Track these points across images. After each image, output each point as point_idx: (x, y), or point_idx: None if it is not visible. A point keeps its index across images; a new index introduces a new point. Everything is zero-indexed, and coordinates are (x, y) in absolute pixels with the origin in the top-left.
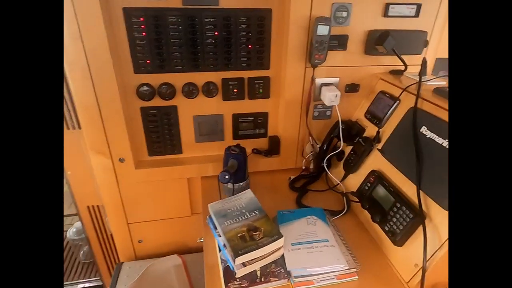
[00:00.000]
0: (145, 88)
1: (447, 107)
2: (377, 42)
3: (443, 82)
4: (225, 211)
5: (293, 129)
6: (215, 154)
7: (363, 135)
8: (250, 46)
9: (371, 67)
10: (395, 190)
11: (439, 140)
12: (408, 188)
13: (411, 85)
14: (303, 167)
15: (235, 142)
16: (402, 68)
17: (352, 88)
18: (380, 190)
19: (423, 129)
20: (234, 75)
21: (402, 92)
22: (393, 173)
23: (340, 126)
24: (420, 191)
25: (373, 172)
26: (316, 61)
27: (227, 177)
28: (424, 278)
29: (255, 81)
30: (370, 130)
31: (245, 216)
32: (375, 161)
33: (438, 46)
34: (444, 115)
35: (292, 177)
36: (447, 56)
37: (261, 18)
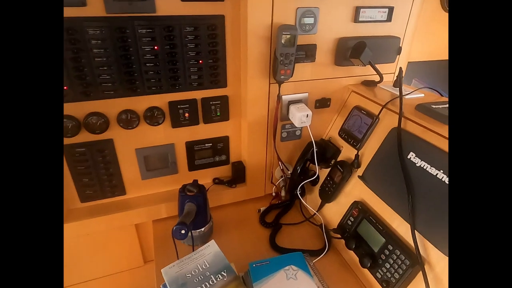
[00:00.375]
0: (65, 121)
1: (434, 128)
2: (353, 55)
3: (421, 95)
4: (184, 278)
5: (259, 153)
6: (168, 191)
7: (339, 159)
8: (201, 61)
9: (341, 79)
10: (384, 228)
11: (432, 170)
12: (399, 225)
13: (390, 101)
14: (273, 193)
15: (192, 174)
16: (375, 78)
17: (322, 103)
18: (366, 227)
19: (411, 156)
20: (184, 96)
21: (381, 109)
22: (379, 205)
23: (314, 148)
24: (415, 231)
25: (355, 204)
26: (282, 76)
27: (183, 231)
28: None
29: (211, 102)
30: (347, 151)
31: (211, 282)
32: (356, 189)
33: (410, 50)
34: (434, 139)
35: (262, 209)
36: (418, 60)
37: (212, 26)
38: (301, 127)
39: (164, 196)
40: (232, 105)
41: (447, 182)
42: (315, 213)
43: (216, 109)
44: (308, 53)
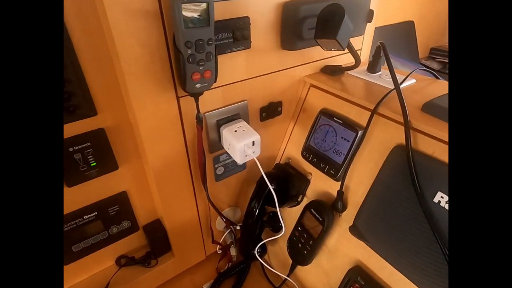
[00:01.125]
0: None
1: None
2: (322, 32)
3: (413, 80)
4: None
5: (184, 205)
6: None
7: (310, 193)
8: None
9: (294, 69)
10: None
11: None
12: None
13: (382, 100)
14: (219, 251)
15: (72, 269)
16: (340, 60)
17: (271, 111)
18: None
19: (441, 200)
20: None
21: (371, 116)
22: (389, 272)
23: (271, 188)
24: None
25: (353, 275)
26: (198, 84)
27: None
28: None
29: (76, 147)
30: (318, 179)
31: None
32: (346, 244)
33: (378, 15)
34: None
35: (206, 286)
36: (385, 23)
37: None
38: None
39: None
40: (118, 141)
41: None
42: (285, 279)
43: (86, 157)
44: (237, 34)
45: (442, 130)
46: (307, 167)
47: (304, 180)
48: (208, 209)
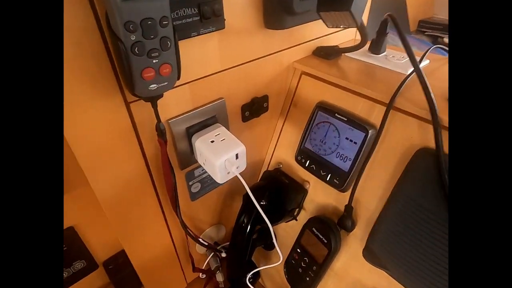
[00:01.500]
0: None
1: None
2: (328, 2)
3: (426, 61)
4: None
5: (153, 235)
6: None
7: (308, 205)
8: None
9: (281, 54)
10: None
11: None
12: None
13: (398, 91)
14: (202, 275)
15: None
16: (334, 40)
17: (255, 109)
18: None
19: None
20: None
21: (387, 111)
22: None
23: (259, 209)
24: None
25: None
26: (153, 85)
27: None
28: None
29: None
30: (317, 190)
31: None
32: (355, 265)
33: None
34: None
35: None
36: None
37: None
38: None
39: None
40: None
41: None
42: None
43: None
44: (205, 9)
45: None
46: (303, 174)
47: (300, 190)
48: (185, 234)
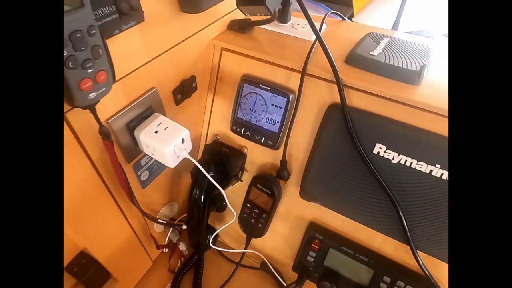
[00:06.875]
0: None
1: (402, 98)
2: None
3: (324, 26)
4: None
5: (112, 230)
6: None
7: (248, 167)
8: None
9: (200, 35)
10: (367, 253)
11: (423, 166)
12: (382, 243)
13: (307, 60)
14: (165, 250)
15: None
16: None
17: (185, 90)
18: (340, 259)
19: (380, 150)
20: None
21: (302, 78)
22: (341, 222)
23: (210, 178)
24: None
25: (309, 233)
26: (91, 94)
27: None
28: None
29: None
30: (254, 153)
31: None
32: (296, 206)
33: None
34: (408, 117)
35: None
36: None
37: None
38: None
39: None
40: None
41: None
42: (244, 252)
43: None
44: (122, 5)
45: (370, 83)
46: (240, 140)
47: (240, 156)
48: (144, 220)
